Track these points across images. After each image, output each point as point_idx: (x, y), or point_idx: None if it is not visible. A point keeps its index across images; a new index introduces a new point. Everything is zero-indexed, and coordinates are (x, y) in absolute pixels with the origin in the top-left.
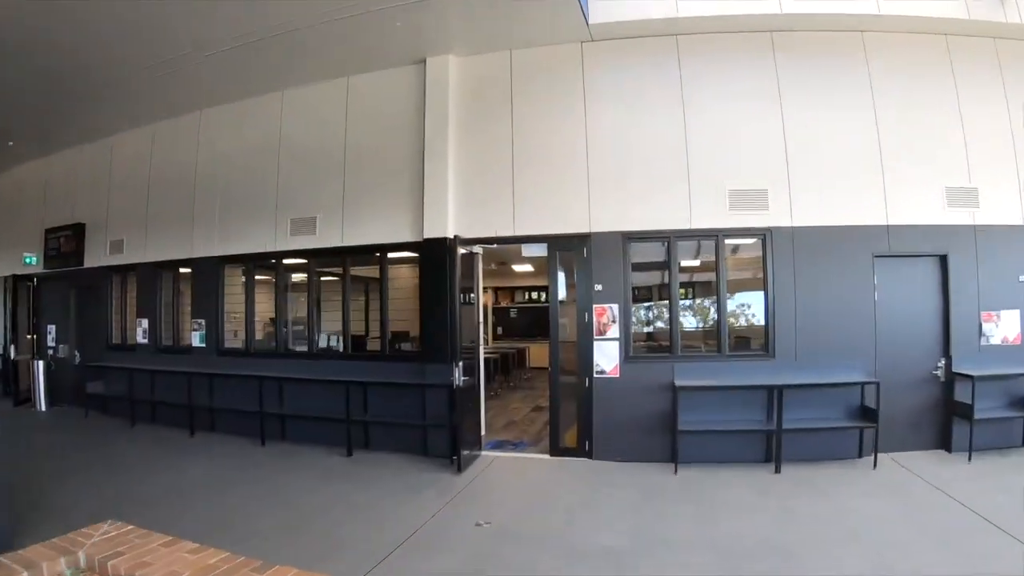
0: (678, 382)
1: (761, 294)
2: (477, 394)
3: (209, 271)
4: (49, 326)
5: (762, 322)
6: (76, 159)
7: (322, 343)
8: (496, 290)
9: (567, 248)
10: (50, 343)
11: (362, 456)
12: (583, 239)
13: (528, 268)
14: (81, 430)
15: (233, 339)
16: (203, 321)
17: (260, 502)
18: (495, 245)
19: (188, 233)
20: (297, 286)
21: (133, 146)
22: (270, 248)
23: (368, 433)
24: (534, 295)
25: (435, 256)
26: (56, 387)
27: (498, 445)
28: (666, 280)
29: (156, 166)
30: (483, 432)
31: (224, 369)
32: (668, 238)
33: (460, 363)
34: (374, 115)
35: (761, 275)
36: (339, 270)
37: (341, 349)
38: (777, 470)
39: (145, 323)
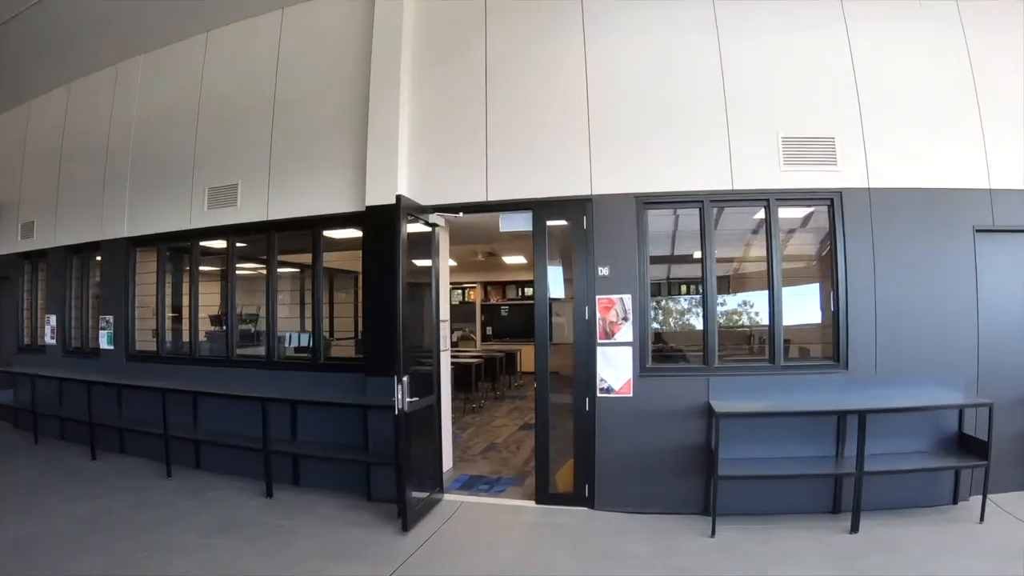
0: (717, 405)
1: (809, 287)
2: (436, 417)
3: (118, 256)
4: None
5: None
6: None
7: (256, 349)
8: (486, 285)
9: (559, 217)
10: None
11: (286, 497)
12: (581, 205)
13: (521, 260)
14: None
15: (152, 340)
16: (111, 318)
17: (117, 571)
18: (460, 214)
19: (98, 211)
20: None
21: (48, 112)
22: (184, 226)
23: (298, 466)
24: (527, 291)
25: (380, 230)
26: None
27: (469, 484)
28: (674, 269)
29: (69, 134)
30: (449, 465)
31: (131, 378)
32: (701, 203)
33: (406, 378)
34: (311, 54)
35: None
36: (300, 256)
37: (264, 355)
38: (854, 528)
39: (53, 320)
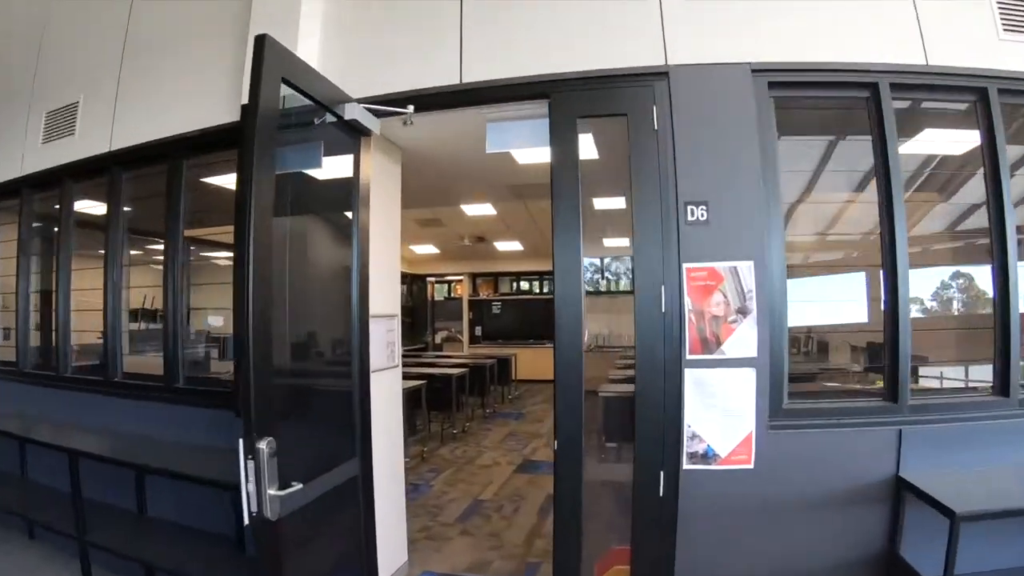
0: (934, 487)
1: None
2: (366, 495)
3: None
4: None
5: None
6: None
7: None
8: (474, 277)
9: (602, 109)
10: None
11: None
12: (645, 87)
13: (516, 246)
14: None
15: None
16: None
17: None
18: (410, 111)
19: None
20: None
21: None
22: (14, 172)
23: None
24: (524, 284)
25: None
26: None
27: None
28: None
29: None
30: (402, 558)
31: None
32: (874, 86)
33: (264, 444)
34: None
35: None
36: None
37: (105, 372)
38: None
39: None
